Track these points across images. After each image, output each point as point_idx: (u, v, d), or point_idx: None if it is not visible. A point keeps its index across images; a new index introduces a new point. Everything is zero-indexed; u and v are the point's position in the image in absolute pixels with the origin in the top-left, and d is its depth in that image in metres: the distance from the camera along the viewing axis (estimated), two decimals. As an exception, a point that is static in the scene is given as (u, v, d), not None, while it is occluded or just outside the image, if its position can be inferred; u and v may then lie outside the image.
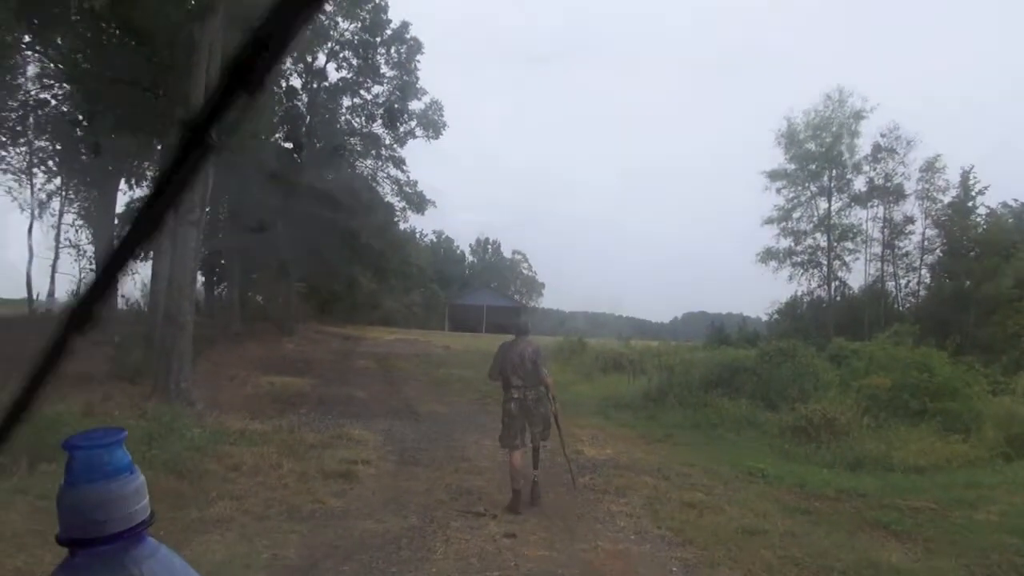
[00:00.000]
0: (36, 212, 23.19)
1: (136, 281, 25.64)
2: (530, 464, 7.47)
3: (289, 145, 31.67)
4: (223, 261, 29.51)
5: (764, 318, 41.08)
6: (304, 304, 34.72)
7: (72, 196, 24.74)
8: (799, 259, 39.24)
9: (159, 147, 19.64)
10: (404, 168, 34.83)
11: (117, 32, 18.23)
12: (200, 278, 25.10)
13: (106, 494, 0.87)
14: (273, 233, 25.34)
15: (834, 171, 37.96)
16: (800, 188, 38.97)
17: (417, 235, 54.78)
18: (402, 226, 39.44)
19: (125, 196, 25.32)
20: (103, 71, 17.50)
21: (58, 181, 23.92)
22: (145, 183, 24.71)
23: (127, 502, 0.89)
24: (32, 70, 19.85)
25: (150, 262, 22.96)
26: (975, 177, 34.75)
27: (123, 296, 25.01)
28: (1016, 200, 33.42)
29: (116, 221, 24.81)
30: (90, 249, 24.58)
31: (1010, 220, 33.05)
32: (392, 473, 8.69)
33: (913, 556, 6.57)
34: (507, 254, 75.60)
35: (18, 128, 21.28)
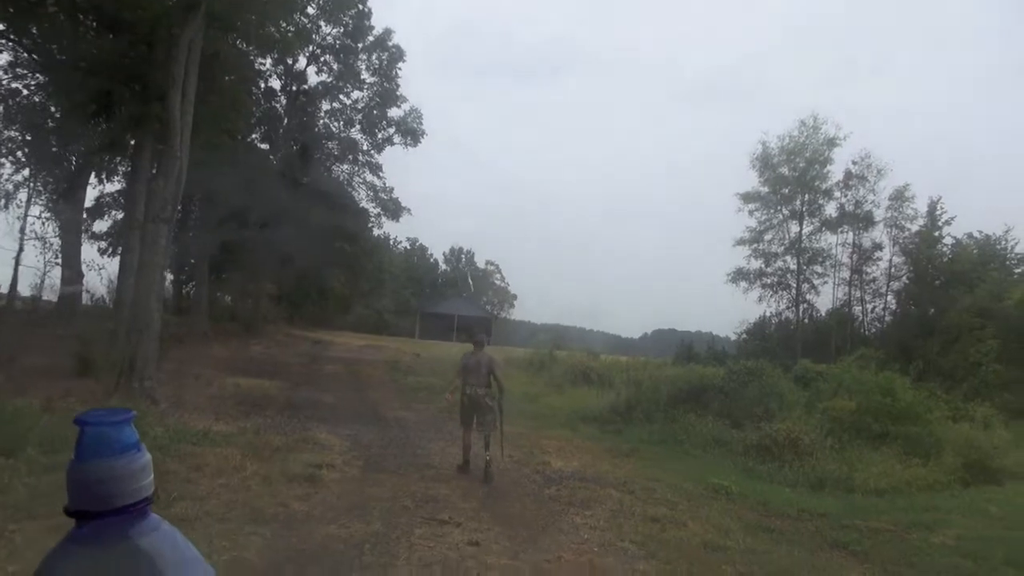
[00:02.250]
0: (2, 203, 22.64)
1: (102, 276, 25.32)
2: (481, 443, 9.27)
3: (265, 146, 31.48)
4: (192, 260, 29.15)
5: (733, 337, 41.64)
6: (273, 306, 34.37)
7: (40, 188, 24.24)
8: (769, 280, 39.85)
9: (132, 141, 19.39)
10: (381, 174, 34.80)
11: (95, 24, 18.01)
12: (168, 276, 24.75)
13: (114, 469, 0.91)
14: (244, 233, 25.10)
15: (806, 196, 38.61)
16: (772, 211, 39.60)
17: (391, 242, 54.57)
18: (376, 232, 39.29)
19: (95, 190, 24.91)
20: (78, 63, 17.25)
21: (26, 172, 23.42)
22: (117, 178, 24.40)
23: (133, 478, 0.93)
24: (4, 58, 19.48)
25: (117, 257, 22.75)
26: (942, 208, 35.73)
27: (88, 291, 24.62)
28: (980, 232, 34.28)
29: (84, 215, 24.41)
30: (56, 242, 24.08)
31: (974, 251, 33.84)
32: (357, 479, 8.61)
33: (871, 576, 6.67)
34: (480, 264, 75.53)
35: (-13, 117, 20.87)
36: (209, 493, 7.16)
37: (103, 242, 27.01)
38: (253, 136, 30.37)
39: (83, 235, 24.75)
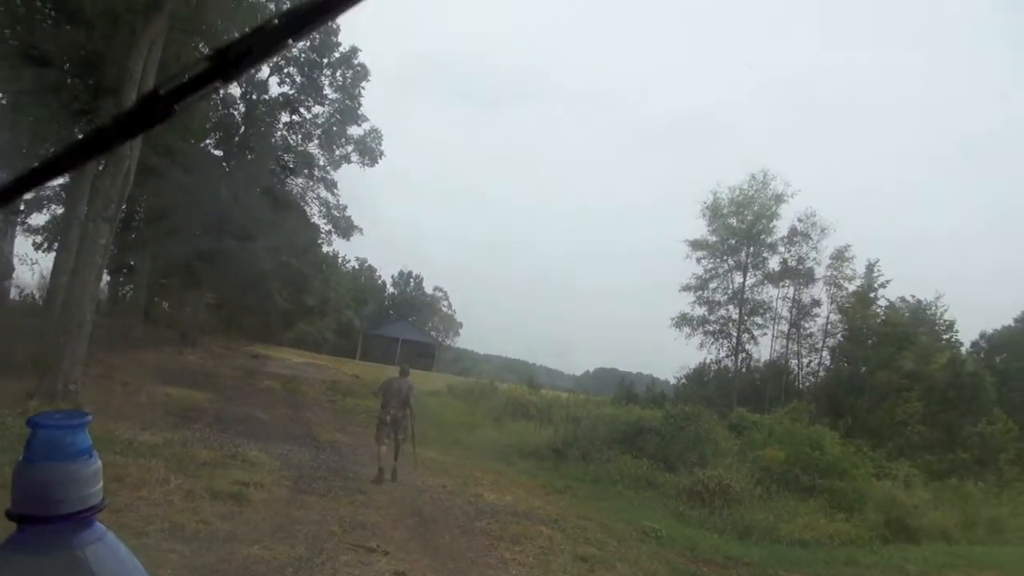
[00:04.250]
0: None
1: (34, 272, 24.36)
2: (392, 455, 10.54)
3: (219, 152, 30.94)
4: (132, 262, 28.30)
5: (672, 381, 42.07)
6: (212, 316, 33.54)
7: (-24, 175, 23.34)
8: (711, 328, 40.52)
9: (80, 136, 18.87)
10: (335, 191, 34.50)
11: (52, 14, 17.58)
12: (105, 277, 23.96)
13: (64, 474, 0.87)
14: (189, 239, 24.52)
15: (752, 248, 39.62)
16: (718, 260, 40.45)
17: (340, 260, 53.92)
18: (325, 249, 38.85)
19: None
20: (30, 50, 16.77)
21: (-38, 158, 22.49)
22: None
23: (84, 484, 0.89)
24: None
25: (53, 253, 21.95)
26: (879, 270, 36.97)
27: (17, 286, 23.67)
28: (913, 296, 35.62)
29: (21, 207, 23.55)
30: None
31: (906, 314, 35.09)
32: (285, 499, 8.39)
33: (791, 627, 6.76)
34: (429, 290, 75.11)
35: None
36: (127, 506, 6.88)
37: (39, 236, 26.04)
38: (207, 141, 29.83)
39: (18, 228, 23.84)
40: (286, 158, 33.50)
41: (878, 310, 36.74)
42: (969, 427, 25.43)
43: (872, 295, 36.99)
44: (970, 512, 14.92)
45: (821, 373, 38.74)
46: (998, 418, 25.06)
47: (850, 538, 11.83)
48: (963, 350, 33.64)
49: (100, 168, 15.77)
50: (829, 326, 38.81)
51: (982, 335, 36.86)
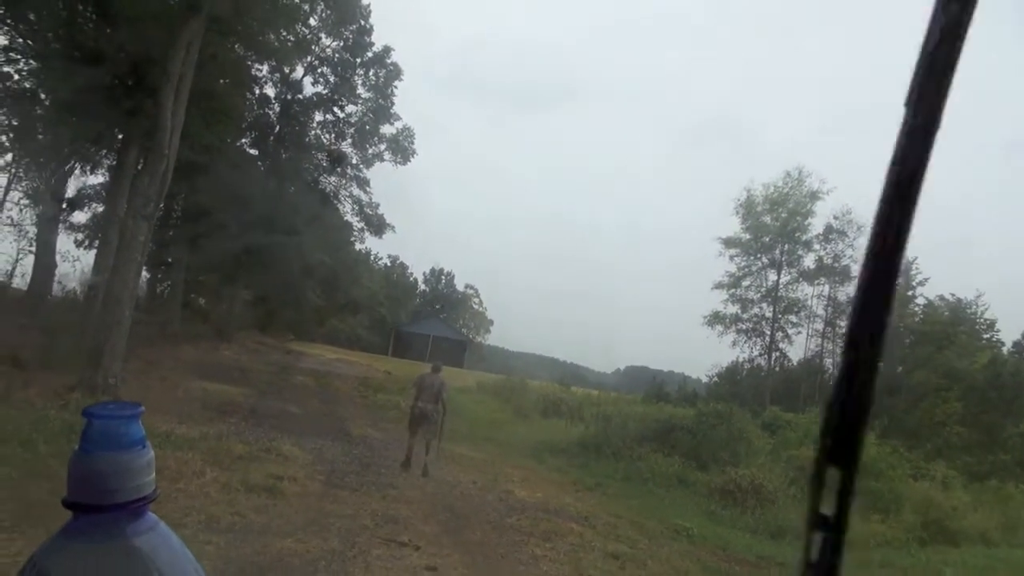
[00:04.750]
0: (-20, 187, 22.35)
1: (76, 268, 24.97)
2: (423, 448, 11.00)
3: (254, 152, 31.34)
4: (170, 259, 28.82)
5: (704, 379, 41.75)
6: (247, 312, 34.00)
7: (21, 174, 23.94)
8: (744, 326, 40.15)
9: (120, 136, 19.25)
10: (368, 189, 34.75)
11: (93, 16, 17.95)
12: (144, 274, 24.43)
13: (119, 464, 0.91)
14: (225, 236, 24.88)
15: (786, 246, 39.13)
16: (752, 258, 40.03)
17: (372, 258, 54.32)
18: (358, 247, 39.16)
19: (76, 181, 24.68)
20: (73, 53, 17.16)
21: (8, 157, 23.11)
22: (100, 171, 24.17)
23: (137, 474, 0.92)
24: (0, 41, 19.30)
25: (94, 250, 22.44)
26: (917, 268, 36.30)
27: (59, 282, 24.27)
28: (952, 295, 34.87)
29: (64, 205, 24.12)
30: (32, 230, 23.77)
31: (945, 313, 34.38)
32: (318, 493, 8.50)
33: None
34: (460, 287, 75.32)
35: (-26, 99, 20.57)
36: (165, 497, 6.98)
37: (80, 234, 26.67)
38: (243, 141, 30.23)
39: (60, 225, 24.44)
40: (320, 156, 33.84)
41: (916, 309, 36.08)
42: (1010, 428, 24.88)
43: (910, 293, 36.33)
44: (1011, 515, 14.60)
45: (857, 372, 38.13)
46: (1040, 420, 24.47)
47: (886, 539, 11.67)
48: (1004, 350, 32.87)
49: (139, 167, 16.13)
50: (866, 325, 38.15)
51: (1024, 334, 36.05)
